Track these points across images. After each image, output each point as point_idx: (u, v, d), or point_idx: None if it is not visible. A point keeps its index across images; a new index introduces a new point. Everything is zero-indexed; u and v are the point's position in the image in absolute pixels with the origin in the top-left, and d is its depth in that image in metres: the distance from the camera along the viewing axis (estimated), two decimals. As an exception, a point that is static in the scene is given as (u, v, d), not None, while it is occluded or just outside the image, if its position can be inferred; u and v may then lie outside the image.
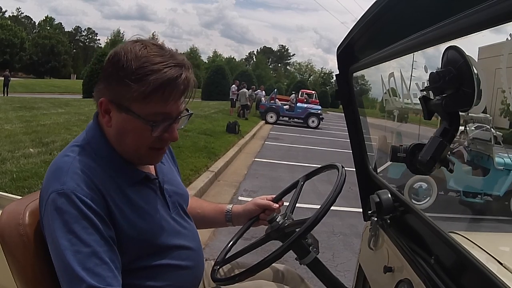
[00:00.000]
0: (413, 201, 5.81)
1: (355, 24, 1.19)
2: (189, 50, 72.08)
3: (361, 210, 1.65)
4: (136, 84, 0.89)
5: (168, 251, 1.04)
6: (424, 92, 1.01)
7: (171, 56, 0.94)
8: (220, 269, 1.25)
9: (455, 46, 0.84)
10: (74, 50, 78.40)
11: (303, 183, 1.36)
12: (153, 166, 1.12)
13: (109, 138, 1.00)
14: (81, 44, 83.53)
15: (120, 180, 0.98)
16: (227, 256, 1.28)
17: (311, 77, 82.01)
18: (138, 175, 1.03)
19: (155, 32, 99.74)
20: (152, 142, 0.97)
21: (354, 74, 1.47)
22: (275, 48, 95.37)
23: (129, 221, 0.96)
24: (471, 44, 0.81)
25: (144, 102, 0.91)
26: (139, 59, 0.90)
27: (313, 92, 34.97)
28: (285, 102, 21.29)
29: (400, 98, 1.46)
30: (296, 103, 20.48)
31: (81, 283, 0.84)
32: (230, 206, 1.39)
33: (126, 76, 0.90)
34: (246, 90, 17.89)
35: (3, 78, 25.17)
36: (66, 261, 0.85)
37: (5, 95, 23.21)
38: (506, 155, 5.92)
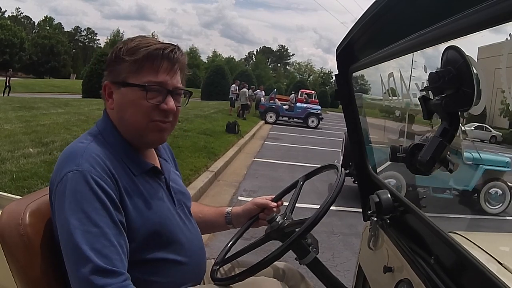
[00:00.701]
0: None
1: (355, 24, 1.19)
2: (188, 50, 72.07)
3: (360, 210, 1.65)
4: (129, 57, 1.00)
5: (172, 245, 1.05)
6: (424, 92, 1.01)
7: (163, 42, 1.06)
8: (220, 269, 1.25)
9: (455, 46, 0.84)
10: (74, 50, 78.27)
11: (303, 183, 1.36)
12: (158, 162, 1.15)
13: (118, 126, 1.05)
14: (81, 44, 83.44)
15: (130, 168, 1.02)
16: (226, 256, 1.28)
17: (311, 77, 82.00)
18: (146, 165, 1.07)
19: (154, 32, 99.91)
20: (151, 112, 1.01)
21: (354, 74, 1.47)
22: (274, 48, 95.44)
23: (137, 209, 0.98)
24: (471, 44, 0.81)
25: (137, 72, 1.00)
26: (135, 42, 1.02)
27: (313, 92, 34.94)
28: (285, 102, 21.28)
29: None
30: (296, 103, 20.47)
31: (87, 263, 0.84)
32: (230, 208, 1.40)
33: (122, 54, 1.01)
34: (247, 90, 17.89)
35: (5, 78, 25.03)
36: (74, 240, 0.86)
37: (6, 95, 23.04)
38: (474, 149, 5.87)
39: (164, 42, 1.06)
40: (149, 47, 1.00)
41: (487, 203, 5.81)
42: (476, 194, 5.87)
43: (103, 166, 0.94)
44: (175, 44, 1.06)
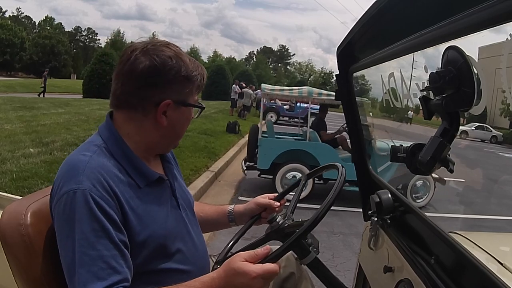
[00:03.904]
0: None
1: (355, 24, 1.19)
2: (189, 50, 72.01)
3: (360, 209, 1.65)
4: (194, 80, 1.06)
5: (176, 255, 1.05)
6: (425, 92, 1.01)
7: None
8: None
9: (455, 46, 0.84)
10: (74, 50, 78.15)
11: (305, 182, 1.36)
12: (162, 167, 1.15)
13: (132, 138, 1.03)
14: (81, 44, 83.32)
15: (136, 180, 1.00)
16: (228, 255, 1.28)
17: (311, 77, 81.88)
18: (152, 176, 1.05)
19: (155, 32, 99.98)
20: None
21: (354, 74, 1.47)
22: (275, 48, 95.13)
23: (143, 223, 0.97)
24: (471, 44, 0.81)
25: (193, 93, 1.09)
26: (187, 59, 1.06)
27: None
28: (285, 102, 21.26)
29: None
30: (296, 103, 20.45)
31: (82, 286, 0.84)
32: (232, 206, 1.40)
33: (189, 75, 1.04)
34: (252, 92, 17.87)
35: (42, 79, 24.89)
36: (71, 261, 0.86)
37: (42, 95, 22.82)
38: (389, 140, 5.48)
39: (195, 61, 1.11)
40: (200, 72, 1.08)
41: (413, 196, 5.53)
42: (402, 187, 5.56)
43: (104, 184, 0.91)
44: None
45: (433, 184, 5.56)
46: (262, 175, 5.98)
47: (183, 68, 1.03)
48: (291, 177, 5.65)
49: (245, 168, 6.06)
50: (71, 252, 0.86)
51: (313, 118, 6.86)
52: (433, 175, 5.37)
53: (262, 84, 6.42)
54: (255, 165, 5.86)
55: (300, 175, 5.60)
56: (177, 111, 1.05)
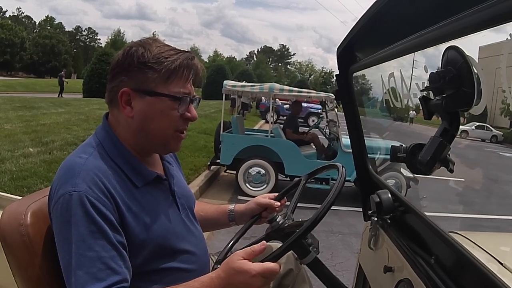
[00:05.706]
0: (248, 186, 5.65)
1: (355, 24, 1.19)
2: (189, 49, 71.76)
3: (359, 209, 1.65)
4: (157, 67, 0.98)
5: (176, 254, 1.04)
6: (425, 92, 1.01)
7: (176, 48, 1.05)
8: None
9: (455, 46, 0.84)
10: (75, 50, 78.17)
11: (305, 182, 1.36)
12: (161, 167, 1.14)
13: (123, 136, 1.02)
14: (82, 44, 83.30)
15: (133, 180, 1.00)
16: (228, 255, 1.28)
17: (312, 76, 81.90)
18: (149, 175, 1.04)
19: (155, 31, 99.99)
20: (177, 122, 1.02)
21: (354, 74, 1.47)
22: (275, 47, 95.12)
23: (141, 223, 0.97)
24: (471, 44, 0.81)
25: (167, 83, 0.99)
26: (154, 48, 1.00)
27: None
28: (285, 102, 21.25)
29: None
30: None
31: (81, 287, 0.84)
32: (232, 206, 1.40)
33: (148, 61, 0.98)
34: None
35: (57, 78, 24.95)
36: (70, 263, 0.86)
37: (60, 96, 22.85)
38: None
39: (181, 49, 1.05)
40: (177, 58, 1.00)
41: None
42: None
43: (100, 186, 0.91)
44: (190, 51, 1.07)
45: (405, 183, 5.49)
46: (227, 171, 6.05)
47: (141, 55, 0.98)
48: (254, 173, 5.68)
49: (208, 163, 6.16)
50: (69, 255, 0.86)
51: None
52: (406, 174, 5.33)
53: (225, 81, 6.42)
54: (219, 160, 5.89)
55: (264, 171, 5.65)
56: (143, 101, 0.99)
